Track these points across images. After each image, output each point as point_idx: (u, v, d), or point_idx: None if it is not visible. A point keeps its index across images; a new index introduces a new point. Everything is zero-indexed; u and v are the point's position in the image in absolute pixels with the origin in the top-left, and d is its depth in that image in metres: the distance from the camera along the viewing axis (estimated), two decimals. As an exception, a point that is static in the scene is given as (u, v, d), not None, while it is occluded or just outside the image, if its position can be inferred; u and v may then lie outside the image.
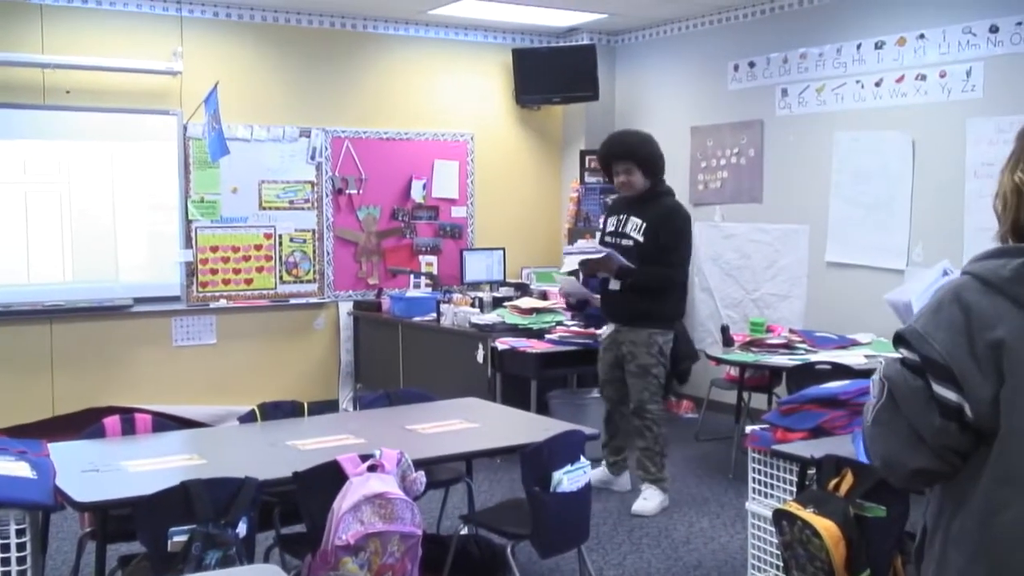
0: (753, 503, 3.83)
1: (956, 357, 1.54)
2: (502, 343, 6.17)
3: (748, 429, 3.93)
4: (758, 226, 7.28)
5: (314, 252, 7.63)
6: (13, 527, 2.90)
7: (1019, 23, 5.71)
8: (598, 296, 5.57)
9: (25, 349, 6.65)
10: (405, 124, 7.93)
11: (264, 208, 7.40)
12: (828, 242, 6.79)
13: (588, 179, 8.14)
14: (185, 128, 7.04)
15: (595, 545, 4.73)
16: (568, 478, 3.67)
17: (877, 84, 6.47)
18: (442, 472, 4.26)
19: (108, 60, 6.75)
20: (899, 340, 1.65)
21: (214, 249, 7.24)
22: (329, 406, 4.62)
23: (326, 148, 7.61)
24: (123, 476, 3.28)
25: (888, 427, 1.63)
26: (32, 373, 6.67)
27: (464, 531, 4.20)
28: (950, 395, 1.55)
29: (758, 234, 7.28)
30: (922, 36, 6.21)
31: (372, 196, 7.80)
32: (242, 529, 3.04)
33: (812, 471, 3.19)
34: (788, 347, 5.86)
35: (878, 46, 6.46)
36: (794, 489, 3.43)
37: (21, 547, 2.91)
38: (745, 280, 7.39)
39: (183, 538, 2.92)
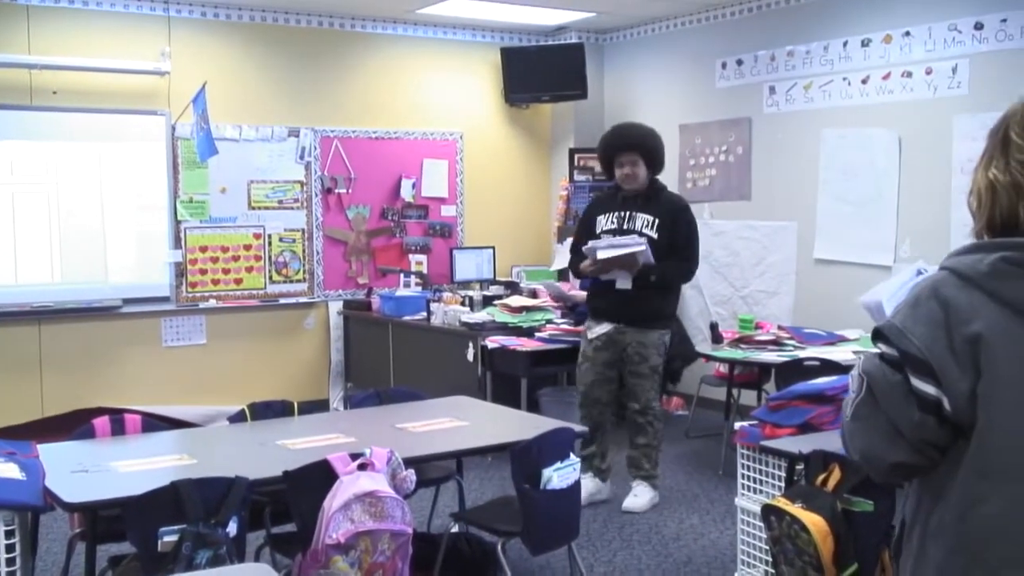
0: (742, 499, 3.84)
1: (934, 351, 1.55)
2: (492, 341, 6.18)
3: (737, 425, 3.95)
4: (747, 223, 7.31)
5: (304, 252, 7.62)
6: (2, 528, 2.90)
7: (1004, 20, 5.74)
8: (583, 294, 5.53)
9: (14, 350, 6.64)
10: (394, 123, 7.93)
11: (253, 208, 7.39)
12: (816, 239, 6.82)
13: (577, 177, 8.15)
14: (173, 128, 7.03)
15: (585, 542, 4.74)
16: (558, 475, 3.68)
17: (864, 81, 6.50)
18: (432, 470, 4.27)
19: (95, 60, 6.74)
20: (878, 335, 1.66)
21: (203, 249, 7.23)
22: (320, 405, 4.64)
23: (315, 148, 7.61)
24: (113, 477, 3.28)
25: (867, 421, 1.64)
26: (21, 374, 6.65)
27: (455, 529, 4.21)
28: (928, 389, 1.56)
29: (747, 231, 7.31)
30: (908, 33, 6.24)
31: (361, 195, 7.80)
32: (232, 528, 3.04)
33: (800, 466, 3.20)
34: (777, 344, 5.88)
35: (864, 43, 6.49)
36: (783, 484, 3.45)
37: (10, 548, 2.90)
38: (734, 277, 7.41)
39: (173, 538, 2.92)
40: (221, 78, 7.09)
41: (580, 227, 5.49)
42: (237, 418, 4.22)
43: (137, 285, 7.01)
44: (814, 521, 2.85)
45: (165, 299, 7.11)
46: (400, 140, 7.95)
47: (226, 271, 7.33)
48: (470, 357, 6.27)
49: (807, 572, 2.86)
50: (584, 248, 5.16)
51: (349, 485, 3.12)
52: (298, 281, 7.62)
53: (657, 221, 5.13)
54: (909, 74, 6.24)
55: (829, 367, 5.04)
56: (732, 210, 7.42)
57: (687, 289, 7.65)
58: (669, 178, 7.74)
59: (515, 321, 6.48)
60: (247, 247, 7.40)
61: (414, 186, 8.00)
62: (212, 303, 7.27)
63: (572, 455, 3.81)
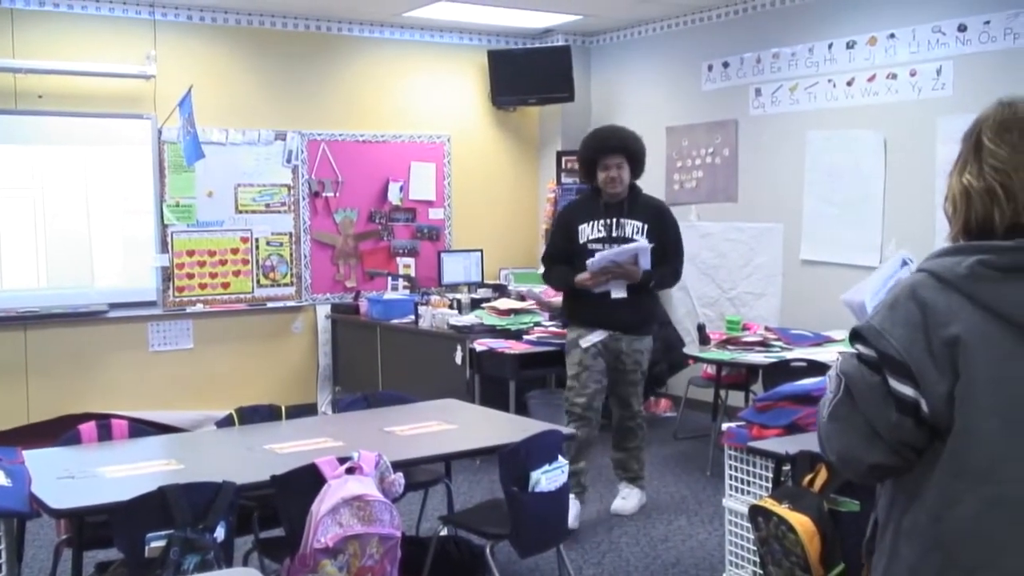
0: (730, 500, 3.86)
1: (913, 353, 1.56)
2: (480, 344, 6.18)
3: (725, 427, 3.96)
4: (733, 225, 7.33)
5: (291, 255, 7.61)
6: (-11, 535, 2.89)
7: (987, 22, 5.78)
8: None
9: None
10: (381, 126, 7.93)
11: (240, 212, 7.38)
12: (802, 240, 6.85)
13: (565, 180, 8.16)
14: (160, 132, 7.01)
15: (574, 544, 4.74)
16: (546, 478, 3.68)
17: (849, 83, 6.52)
18: (421, 474, 4.27)
19: (81, 64, 6.72)
20: (856, 336, 1.66)
21: (190, 253, 7.21)
22: (308, 409, 4.62)
23: (302, 151, 7.59)
24: (99, 482, 3.26)
25: (845, 422, 1.64)
26: (6, 380, 6.62)
27: (443, 532, 4.21)
28: (907, 391, 1.56)
29: (733, 233, 7.33)
30: (892, 35, 6.27)
31: (349, 199, 7.80)
32: (220, 533, 3.03)
33: (787, 467, 3.21)
34: (764, 345, 5.90)
35: (849, 46, 6.51)
36: (770, 485, 3.46)
37: (-3, 555, 2.89)
38: (721, 279, 7.43)
39: (161, 544, 2.91)
40: (207, 81, 7.08)
41: (558, 235, 5.19)
42: (224, 423, 4.20)
43: (123, 290, 6.99)
44: (801, 521, 2.86)
45: (152, 304, 7.09)
46: (387, 143, 7.94)
47: (213, 275, 7.31)
48: (458, 360, 6.27)
49: (794, 572, 2.87)
50: (588, 261, 4.89)
51: (337, 489, 3.12)
52: (286, 285, 7.61)
53: (646, 226, 4.99)
54: (894, 76, 6.27)
55: (816, 368, 5.06)
56: (719, 212, 7.44)
57: (675, 291, 7.68)
58: (656, 180, 7.79)
59: (503, 324, 6.49)
60: (234, 251, 7.38)
61: (401, 189, 7.99)
62: (199, 307, 7.25)
63: (560, 457, 3.81)
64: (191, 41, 7.16)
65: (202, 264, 7.26)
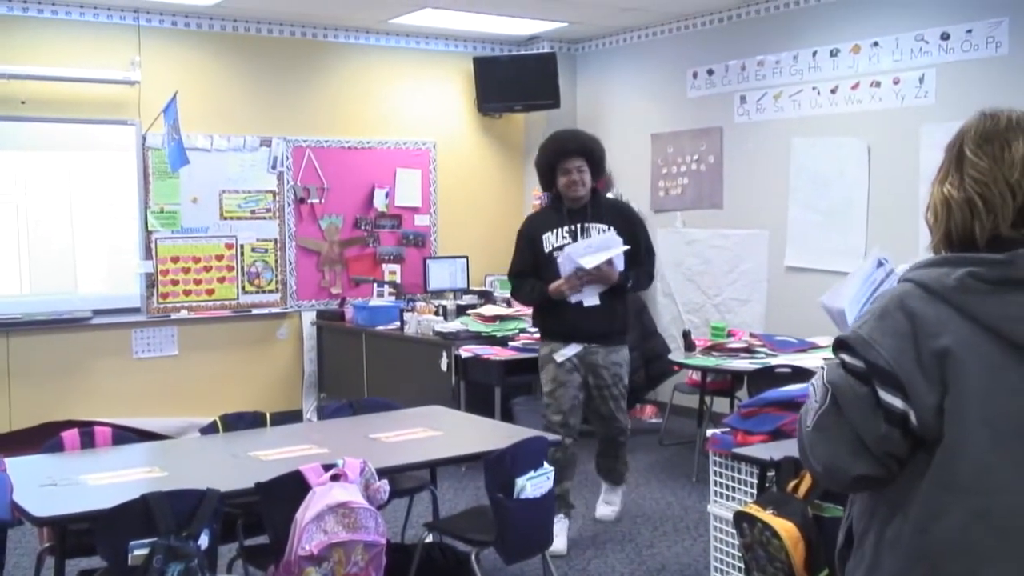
0: (715, 506, 3.87)
1: (902, 364, 1.55)
2: (466, 351, 6.18)
3: (709, 433, 3.97)
4: (719, 232, 7.35)
5: (276, 262, 7.59)
6: (-30, 543, 2.87)
7: (969, 31, 5.82)
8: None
9: (-18, 363, 6.58)
10: (367, 133, 7.92)
11: (225, 218, 7.36)
12: (787, 247, 6.87)
13: (550, 186, 8.16)
14: (144, 138, 6.99)
15: (560, 551, 4.74)
16: (531, 484, 3.68)
17: (833, 91, 6.56)
18: (406, 480, 4.26)
19: (65, 70, 6.69)
20: (841, 346, 1.64)
21: (175, 260, 7.19)
22: (293, 416, 4.61)
23: (287, 157, 7.58)
24: (82, 490, 3.25)
25: (830, 432, 1.62)
26: (-11, 387, 6.59)
27: (428, 539, 4.20)
28: (896, 402, 1.55)
29: (719, 240, 7.35)
30: (876, 44, 6.30)
31: (334, 205, 7.79)
32: (204, 541, 3.02)
33: (772, 473, 3.22)
34: (749, 351, 5.91)
35: (833, 53, 6.55)
36: (755, 491, 3.47)
37: (-21, 563, 2.88)
38: (706, 285, 7.45)
39: (144, 551, 2.90)
40: (192, 88, 7.06)
41: (522, 248, 4.93)
42: (209, 430, 4.19)
43: (107, 296, 6.96)
44: (785, 527, 2.87)
45: (136, 310, 7.06)
46: (373, 150, 7.94)
47: (198, 282, 7.29)
48: (444, 366, 6.26)
49: (779, 578, 2.88)
50: (560, 260, 4.68)
51: (322, 496, 3.11)
52: (271, 291, 7.59)
53: (612, 229, 4.78)
54: (877, 84, 6.31)
55: (800, 374, 5.08)
56: (704, 219, 7.46)
57: (660, 297, 7.71)
58: (641, 187, 7.83)
59: (488, 330, 6.49)
60: (219, 257, 7.36)
61: (387, 196, 7.99)
62: (184, 314, 7.23)
63: (545, 464, 3.81)
64: (176, 47, 7.14)
65: (187, 270, 7.24)
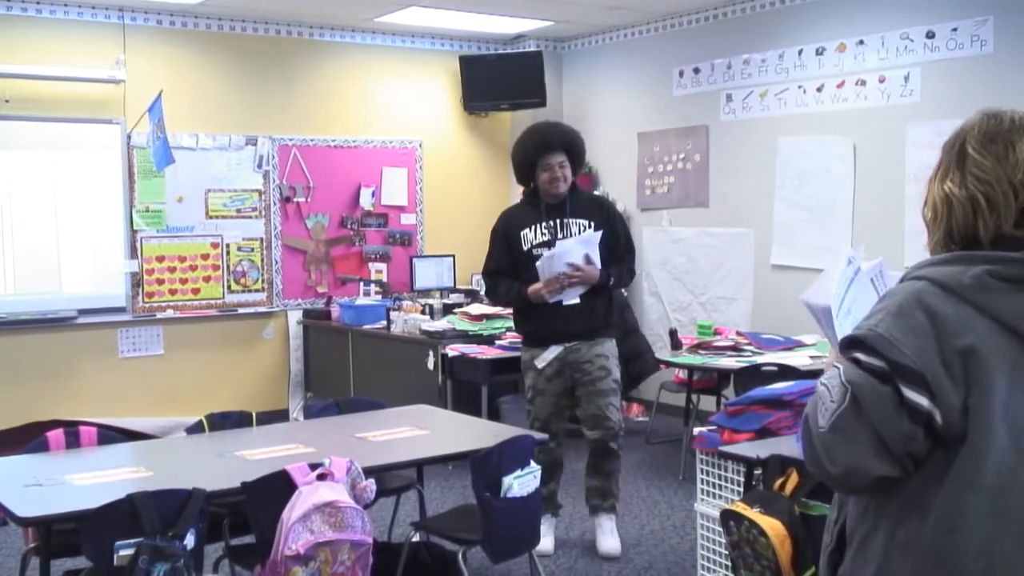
0: (702, 504, 3.88)
1: (927, 363, 1.53)
2: (452, 349, 6.17)
3: (696, 431, 3.98)
4: (705, 230, 7.36)
5: (262, 261, 7.57)
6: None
7: (954, 29, 5.84)
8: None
9: (-34, 363, 6.54)
10: (353, 132, 7.91)
11: (211, 217, 7.33)
12: (773, 245, 6.89)
13: (537, 185, 8.16)
14: (129, 137, 6.96)
15: (547, 549, 4.74)
16: (518, 483, 3.68)
17: (819, 89, 6.58)
18: (393, 479, 4.26)
19: (49, 68, 6.65)
20: (856, 344, 1.60)
21: (160, 259, 7.16)
22: (279, 416, 4.61)
23: (273, 156, 7.56)
24: (67, 490, 3.23)
25: (849, 433, 1.57)
26: (-27, 387, 6.55)
27: (415, 538, 4.20)
28: (922, 401, 1.53)
29: (705, 238, 7.36)
30: (861, 42, 6.33)
31: (320, 204, 7.77)
32: (190, 541, 3.01)
33: (758, 471, 3.23)
34: (735, 349, 5.93)
35: (819, 52, 6.57)
36: (741, 489, 3.48)
37: (-38, 564, 2.86)
38: (692, 284, 7.46)
39: (129, 552, 2.88)
40: (177, 86, 7.03)
41: (499, 246, 4.74)
42: (194, 429, 4.17)
43: (92, 296, 6.93)
44: (772, 525, 2.88)
45: (121, 309, 7.03)
46: (359, 148, 7.92)
47: (183, 281, 7.26)
48: (430, 365, 6.26)
49: (766, 576, 2.88)
50: (539, 265, 4.52)
51: (308, 495, 3.10)
52: (257, 291, 7.57)
53: (592, 224, 4.63)
54: (863, 82, 6.33)
55: (787, 372, 5.09)
56: (690, 217, 7.47)
57: (647, 296, 7.72)
58: (628, 185, 7.84)
59: (475, 329, 6.48)
60: (205, 256, 7.33)
61: (373, 194, 7.98)
62: (169, 313, 7.20)
63: (532, 462, 3.81)
64: (161, 46, 7.11)
65: (172, 270, 7.21)
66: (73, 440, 3.89)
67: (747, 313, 7.06)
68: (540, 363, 4.65)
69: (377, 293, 7.65)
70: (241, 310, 7.51)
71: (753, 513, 2.94)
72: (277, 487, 3.15)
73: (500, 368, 6.06)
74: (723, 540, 3.22)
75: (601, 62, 8.23)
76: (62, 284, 6.84)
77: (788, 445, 3.34)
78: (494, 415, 6.28)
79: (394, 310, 6.94)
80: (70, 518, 2.99)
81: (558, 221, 4.64)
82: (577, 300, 4.56)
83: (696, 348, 6.05)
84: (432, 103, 8.28)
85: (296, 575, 3.02)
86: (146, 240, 7.09)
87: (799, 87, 6.69)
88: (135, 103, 6.83)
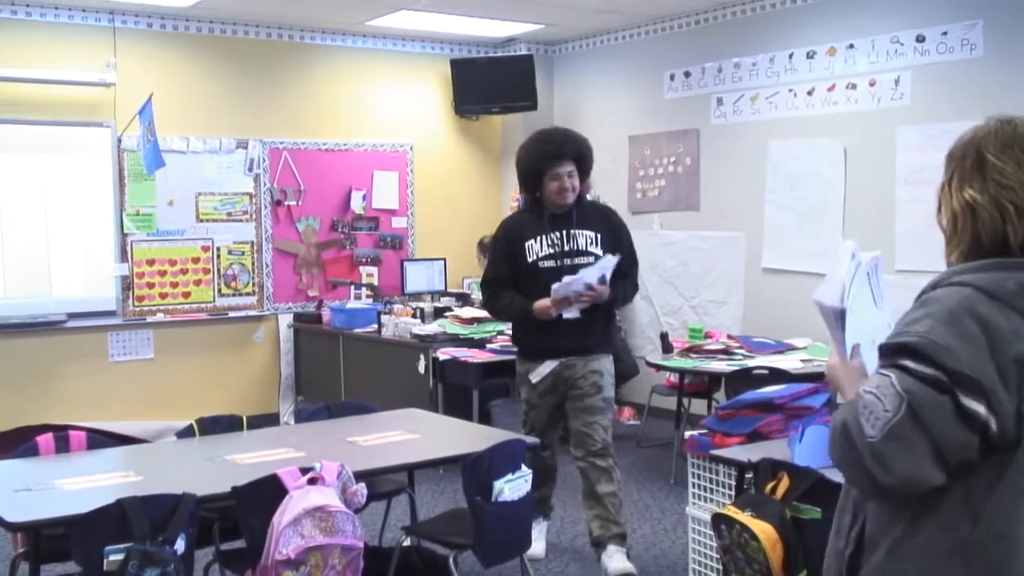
0: (693, 507, 3.87)
1: (984, 371, 1.53)
2: (443, 353, 6.17)
3: (687, 435, 3.98)
4: (696, 233, 7.37)
5: (253, 264, 7.56)
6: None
7: (944, 33, 5.86)
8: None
9: (-45, 367, 6.51)
10: (344, 135, 7.90)
11: (201, 220, 7.31)
12: (764, 248, 6.90)
13: (528, 188, 8.16)
14: (119, 140, 6.94)
15: (538, 553, 4.73)
16: (509, 487, 3.67)
17: (809, 93, 6.59)
18: (384, 484, 4.25)
19: (39, 71, 6.64)
20: (907, 351, 1.58)
21: (151, 263, 7.14)
22: (270, 420, 4.59)
23: (264, 159, 7.55)
24: (57, 495, 3.21)
25: (906, 442, 1.55)
26: (-38, 391, 6.52)
27: (406, 542, 4.18)
28: (979, 409, 1.52)
29: (696, 241, 7.37)
30: (851, 46, 6.34)
31: (311, 207, 7.76)
32: (180, 546, 3.00)
33: (750, 475, 3.23)
34: (726, 353, 5.93)
35: (809, 55, 6.58)
36: (733, 493, 3.48)
37: (-49, 570, 2.84)
38: (683, 287, 7.47)
39: (119, 557, 2.87)
40: (168, 89, 7.02)
41: (501, 257, 4.55)
42: (185, 433, 4.16)
43: (82, 299, 6.91)
44: (763, 529, 2.88)
45: (111, 313, 7.01)
46: (350, 152, 7.91)
47: (174, 284, 7.24)
48: (421, 369, 6.25)
49: (757, 579, 2.88)
50: (555, 287, 4.31)
51: (299, 500, 3.09)
52: (247, 294, 7.55)
53: (599, 236, 4.48)
54: (853, 86, 6.35)
55: (778, 375, 5.10)
56: (681, 221, 7.48)
57: (638, 299, 7.70)
58: (619, 189, 7.84)
59: (466, 332, 6.48)
60: (195, 260, 7.32)
61: (364, 198, 7.97)
62: (160, 317, 7.18)
63: (524, 466, 3.80)
64: (151, 49, 7.10)
65: (163, 273, 7.19)
66: (63, 444, 3.87)
67: (738, 316, 7.07)
68: (535, 378, 4.54)
69: (368, 297, 7.64)
70: (232, 314, 7.49)
71: (744, 517, 2.94)
72: (268, 491, 3.14)
73: (491, 372, 6.05)
74: (714, 544, 3.22)
75: (592, 65, 8.24)
76: (52, 288, 6.82)
77: (779, 448, 3.34)
78: (485, 419, 6.28)
79: (385, 314, 6.94)
80: (59, 523, 2.98)
81: (564, 232, 4.47)
82: (576, 314, 4.40)
83: (687, 352, 6.05)
84: (423, 106, 8.28)
85: (287, 580, 3.01)
86: (136, 243, 7.07)
87: (790, 90, 6.71)
88: (125, 106, 6.81)
